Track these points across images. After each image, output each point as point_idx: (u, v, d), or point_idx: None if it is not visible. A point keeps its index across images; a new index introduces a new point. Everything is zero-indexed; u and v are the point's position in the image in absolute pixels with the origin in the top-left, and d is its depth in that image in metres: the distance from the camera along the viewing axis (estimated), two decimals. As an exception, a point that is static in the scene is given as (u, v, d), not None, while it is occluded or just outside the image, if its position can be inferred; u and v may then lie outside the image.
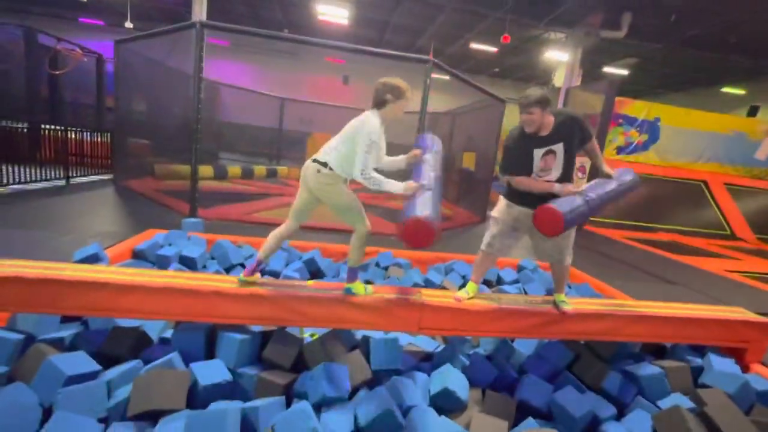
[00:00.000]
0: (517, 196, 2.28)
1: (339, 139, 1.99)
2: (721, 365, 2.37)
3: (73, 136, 6.55)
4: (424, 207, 1.90)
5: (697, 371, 2.42)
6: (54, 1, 13.28)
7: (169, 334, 2.23)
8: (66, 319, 2.22)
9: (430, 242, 1.87)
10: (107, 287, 1.90)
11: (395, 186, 1.97)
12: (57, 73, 7.48)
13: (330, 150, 1.99)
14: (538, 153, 2.18)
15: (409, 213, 1.88)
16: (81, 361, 1.78)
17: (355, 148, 1.92)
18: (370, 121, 1.95)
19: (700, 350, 2.63)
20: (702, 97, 14.73)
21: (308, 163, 2.02)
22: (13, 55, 7.31)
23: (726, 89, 14.03)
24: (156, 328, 2.27)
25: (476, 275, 2.44)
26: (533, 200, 2.18)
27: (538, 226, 2.09)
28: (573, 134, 2.15)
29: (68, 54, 7.57)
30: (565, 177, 2.20)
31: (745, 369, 2.51)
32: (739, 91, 13.87)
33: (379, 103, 2.01)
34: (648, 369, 2.29)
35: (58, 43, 7.41)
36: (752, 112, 12.92)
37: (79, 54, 7.75)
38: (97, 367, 1.81)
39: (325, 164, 1.97)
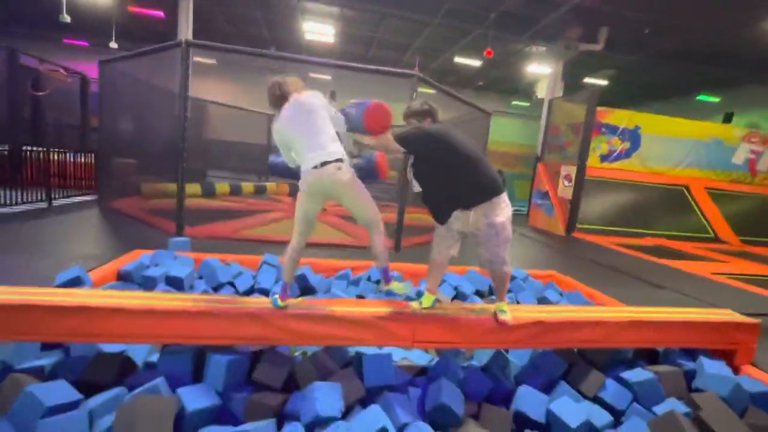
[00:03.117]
0: (434, 213, 2.27)
1: (321, 129, 1.96)
2: (712, 368, 2.38)
3: (56, 157, 6.44)
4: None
5: (690, 375, 2.43)
6: (38, 23, 13.23)
7: (155, 358, 2.16)
8: (46, 347, 2.13)
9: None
10: (89, 311, 1.83)
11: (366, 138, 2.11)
12: (39, 94, 7.40)
13: (329, 143, 1.95)
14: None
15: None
16: (61, 391, 1.71)
17: (329, 118, 1.99)
18: (308, 94, 2.04)
19: (691, 354, 2.64)
20: (679, 105, 15.22)
21: (318, 171, 1.91)
22: (-6, 77, 7.22)
23: (701, 97, 14.55)
24: (141, 353, 2.19)
25: (429, 284, 2.34)
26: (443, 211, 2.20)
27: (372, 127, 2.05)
28: (417, 146, 2.12)
29: (51, 75, 7.50)
30: (428, 189, 2.18)
31: (736, 371, 2.52)
32: (714, 99, 14.38)
33: (281, 99, 2.07)
34: (641, 375, 2.29)
35: (41, 64, 7.35)
36: (727, 118, 13.38)
37: (62, 75, 7.69)
38: (78, 396, 1.73)
39: (339, 159, 1.94)
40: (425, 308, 2.25)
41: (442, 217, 2.20)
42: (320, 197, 2.01)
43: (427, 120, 2.16)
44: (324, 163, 1.91)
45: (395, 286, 2.12)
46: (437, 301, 2.40)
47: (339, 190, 1.97)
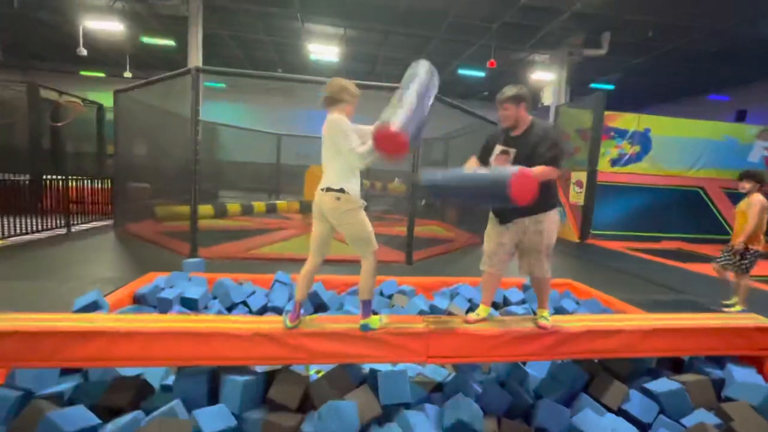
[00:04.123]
0: (497, 212, 2.27)
1: (332, 158, 2.01)
2: (742, 376, 2.29)
3: (74, 184, 6.64)
4: (394, 115, 1.80)
5: (718, 384, 2.34)
6: (56, 57, 13.84)
7: (171, 380, 2.17)
8: (65, 372, 2.16)
9: (399, 151, 1.82)
10: (106, 335, 1.86)
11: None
12: (58, 124, 7.69)
13: (336, 174, 1.99)
14: (497, 149, 2.19)
15: (382, 119, 1.80)
16: (80, 417, 1.73)
17: (339, 144, 1.96)
18: (334, 117, 2.01)
19: (718, 361, 2.55)
20: (689, 105, 15.03)
21: (321, 194, 2.02)
22: (16, 110, 7.56)
23: (712, 96, 14.34)
24: (157, 376, 2.21)
25: (484, 296, 2.38)
26: (506, 213, 2.18)
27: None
28: (534, 147, 2.07)
29: (69, 106, 7.81)
30: None
31: (767, 378, 2.42)
32: (725, 98, 14.17)
33: (332, 103, 2.06)
34: (667, 385, 2.20)
35: (59, 97, 7.67)
36: (740, 116, 13.13)
37: (79, 105, 7.99)
38: (96, 421, 1.75)
39: (341, 190, 1.98)
40: (482, 318, 2.27)
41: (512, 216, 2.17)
42: (323, 219, 2.06)
43: (522, 105, 2.11)
44: (328, 189, 1.99)
45: (372, 320, 2.08)
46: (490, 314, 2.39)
47: (335, 217, 2.02)
